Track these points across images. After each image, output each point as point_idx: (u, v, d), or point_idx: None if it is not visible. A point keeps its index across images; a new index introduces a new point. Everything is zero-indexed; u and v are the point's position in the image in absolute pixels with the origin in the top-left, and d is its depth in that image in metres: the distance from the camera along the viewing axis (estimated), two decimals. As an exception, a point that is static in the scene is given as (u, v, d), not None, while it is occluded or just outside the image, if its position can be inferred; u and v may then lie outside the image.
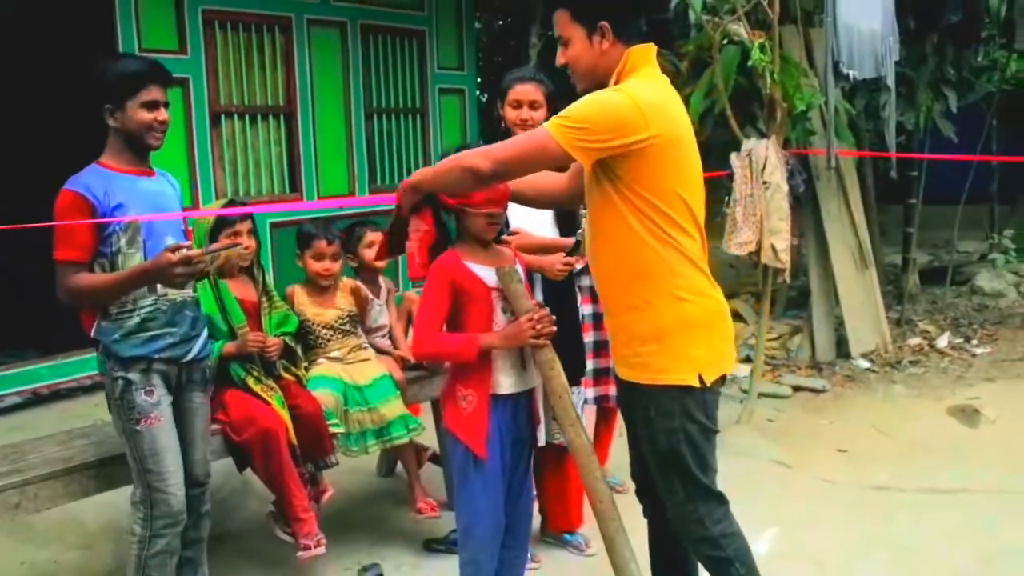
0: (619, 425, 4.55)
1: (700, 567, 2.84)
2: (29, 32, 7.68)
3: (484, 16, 11.67)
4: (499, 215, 2.86)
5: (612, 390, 3.91)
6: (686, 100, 3.99)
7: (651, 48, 2.64)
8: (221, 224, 3.58)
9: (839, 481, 4.66)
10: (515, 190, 2.85)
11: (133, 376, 2.96)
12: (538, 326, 2.76)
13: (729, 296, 2.83)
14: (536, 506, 3.55)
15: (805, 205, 6.65)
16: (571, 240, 3.57)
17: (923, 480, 4.62)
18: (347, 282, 4.03)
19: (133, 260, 2.95)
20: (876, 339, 6.89)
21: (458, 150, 2.79)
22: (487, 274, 2.84)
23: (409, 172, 6.82)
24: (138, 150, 3.04)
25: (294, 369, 3.78)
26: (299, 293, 3.95)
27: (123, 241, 2.94)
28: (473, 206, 2.78)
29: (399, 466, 4.53)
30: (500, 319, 2.85)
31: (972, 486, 4.51)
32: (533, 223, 3.55)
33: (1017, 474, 4.61)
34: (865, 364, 6.64)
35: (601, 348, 3.84)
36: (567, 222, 3.65)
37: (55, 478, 3.15)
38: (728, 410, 5.39)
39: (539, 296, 3.46)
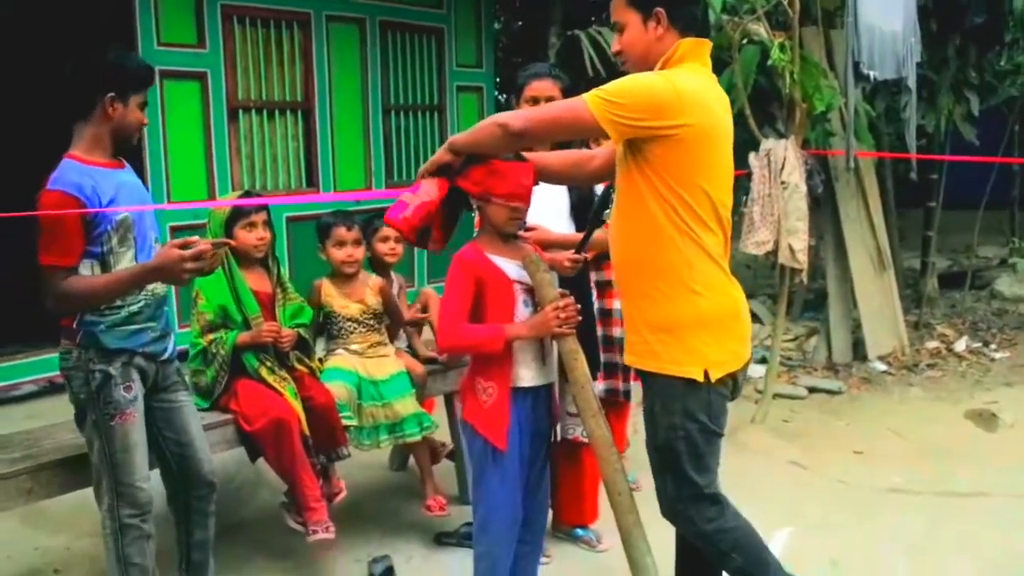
0: (637, 422, 4.54)
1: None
2: (34, 30, 7.65)
3: (504, 16, 11.67)
4: (522, 210, 2.85)
5: (622, 384, 3.94)
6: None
7: (703, 43, 2.66)
8: (237, 215, 3.59)
9: (854, 483, 4.62)
10: (546, 164, 2.86)
11: (113, 370, 2.89)
12: (562, 315, 2.75)
13: (746, 297, 2.81)
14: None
15: (824, 206, 6.62)
16: (603, 233, 3.57)
17: (939, 483, 4.58)
18: (376, 280, 4.02)
19: (125, 259, 2.88)
20: (893, 342, 6.84)
21: None
22: (509, 267, 2.84)
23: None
24: (118, 144, 2.96)
25: (307, 361, 3.77)
26: (326, 285, 3.95)
27: (115, 240, 2.86)
28: (497, 197, 2.77)
29: (411, 460, 4.53)
30: (522, 312, 2.84)
31: (989, 490, 4.46)
32: (550, 216, 3.53)
33: (1035, 479, 4.56)
34: (882, 367, 6.59)
35: (608, 344, 3.84)
36: (583, 216, 3.63)
37: (68, 465, 3.15)
38: (743, 410, 5.36)
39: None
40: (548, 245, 3.42)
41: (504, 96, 11.03)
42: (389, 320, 4.06)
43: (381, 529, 4.09)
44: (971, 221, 8.41)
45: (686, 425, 2.61)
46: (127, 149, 3.03)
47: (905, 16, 5.96)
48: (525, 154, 2.83)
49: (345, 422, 3.66)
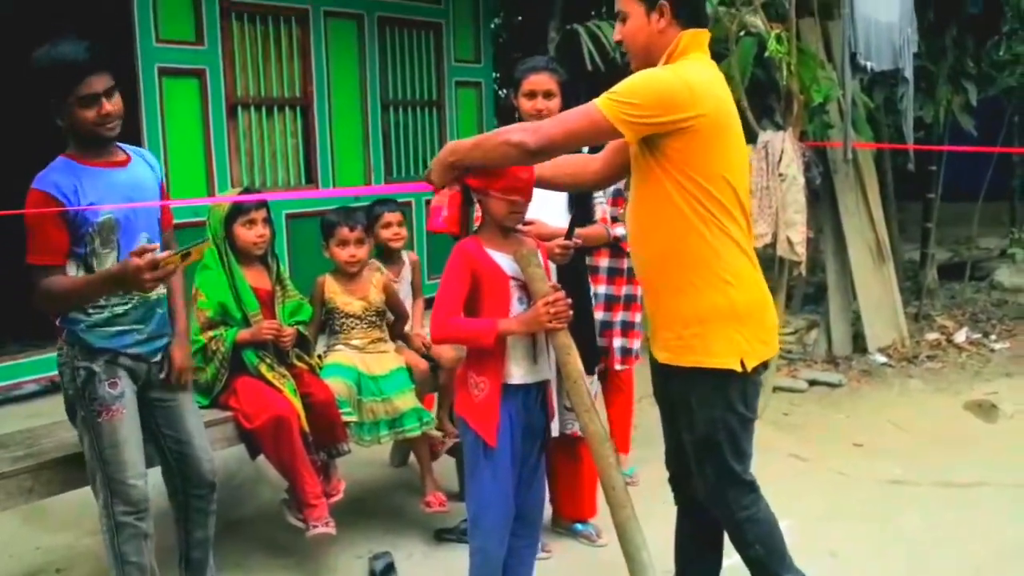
0: (638, 418, 4.55)
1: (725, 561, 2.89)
2: (34, 30, 7.64)
3: (503, 11, 11.65)
4: (521, 204, 2.84)
5: (617, 365, 4.11)
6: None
7: (704, 33, 2.66)
8: (236, 212, 3.59)
9: (854, 475, 4.62)
10: (544, 176, 2.84)
11: (97, 367, 2.88)
12: (552, 310, 2.75)
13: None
14: (547, 496, 3.54)
15: (822, 199, 6.61)
16: (594, 228, 3.62)
17: (939, 474, 4.58)
18: (381, 278, 4.02)
19: (108, 260, 2.85)
20: (893, 334, 6.84)
21: None
22: (506, 262, 2.84)
23: (425, 165, 6.82)
24: (99, 143, 2.86)
25: (307, 358, 3.78)
26: (329, 282, 3.94)
27: (97, 242, 2.83)
28: (496, 191, 2.77)
29: (412, 456, 4.53)
30: (516, 308, 2.84)
31: (989, 480, 4.47)
32: (547, 209, 3.52)
33: (1034, 469, 4.57)
34: (882, 359, 6.59)
35: (604, 328, 4.01)
36: (581, 208, 3.62)
37: (69, 463, 3.15)
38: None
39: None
40: (546, 239, 3.42)
41: (503, 91, 11.03)
42: (393, 316, 4.07)
43: (382, 525, 4.10)
44: (970, 212, 8.42)
45: (726, 417, 2.63)
46: (108, 143, 2.90)
47: (902, 6, 5.97)
48: None
49: (345, 418, 3.67)
